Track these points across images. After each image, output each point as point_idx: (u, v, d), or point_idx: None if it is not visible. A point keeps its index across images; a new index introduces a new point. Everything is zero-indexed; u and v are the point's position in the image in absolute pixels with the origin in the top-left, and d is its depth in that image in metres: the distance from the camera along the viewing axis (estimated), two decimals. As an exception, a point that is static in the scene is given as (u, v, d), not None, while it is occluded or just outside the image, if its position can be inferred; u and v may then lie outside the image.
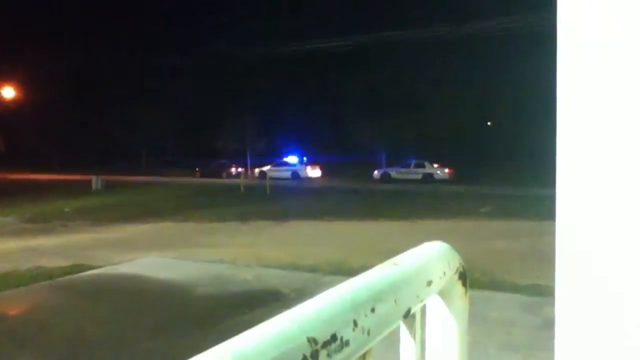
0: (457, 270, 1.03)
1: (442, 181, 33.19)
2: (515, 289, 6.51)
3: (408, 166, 35.59)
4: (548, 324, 5.50)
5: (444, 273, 0.97)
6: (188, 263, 8.58)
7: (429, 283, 0.90)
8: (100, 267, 8.22)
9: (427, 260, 0.95)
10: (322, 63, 53.27)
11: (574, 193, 0.77)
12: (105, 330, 5.32)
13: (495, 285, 6.73)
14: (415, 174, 34.73)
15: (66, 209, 17.61)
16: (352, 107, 51.28)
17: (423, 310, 0.95)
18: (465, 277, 1.06)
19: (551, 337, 0.83)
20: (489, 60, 45.33)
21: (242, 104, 51.21)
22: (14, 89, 41.21)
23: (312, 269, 7.88)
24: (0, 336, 5.15)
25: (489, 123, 52.90)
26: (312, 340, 0.61)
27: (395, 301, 0.78)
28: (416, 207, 17.59)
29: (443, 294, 0.98)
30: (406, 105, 47.26)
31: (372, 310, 0.73)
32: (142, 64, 47.40)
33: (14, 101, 42.59)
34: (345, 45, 34.87)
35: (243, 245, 10.37)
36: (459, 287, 1.04)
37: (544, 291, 5.88)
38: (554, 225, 0.79)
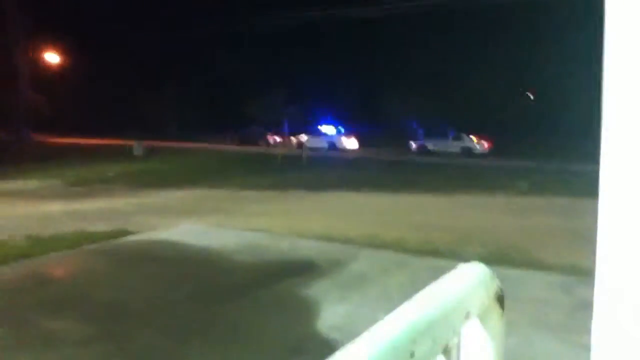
0: (495, 294, 1.00)
1: (481, 155, 32.74)
2: (550, 267, 6.44)
3: (446, 139, 35.16)
4: (583, 305, 5.46)
5: (482, 301, 0.94)
6: (225, 231, 8.75)
7: (467, 315, 0.88)
8: (141, 232, 8.46)
9: (465, 290, 0.91)
10: (358, 32, 52.44)
11: (618, 174, 0.76)
12: (143, 295, 5.51)
13: (530, 263, 6.67)
14: (454, 146, 34.35)
15: (109, 174, 18.06)
16: (388, 78, 50.55)
17: (459, 339, 0.93)
18: (502, 300, 1.02)
19: (586, 318, 0.83)
20: (532, 31, 43.89)
21: (276, 73, 51.14)
22: (59, 55, 42.06)
23: (347, 241, 7.94)
24: (44, 300, 5.38)
25: (530, 96, 51.53)
26: None
27: (433, 340, 0.77)
28: (453, 180, 17.44)
29: (480, 318, 0.95)
30: (444, 76, 46.36)
31: (412, 355, 0.72)
32: (178, 34, 47.61)
33: (59, 67, 43.50)
34: (382, 13, 34.23)
35: (279, 215, 10.49)
36: (496, 311, 1.00)
37: (580, 271, 5.81)
38: (595, 205, 0.78)
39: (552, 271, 6.29)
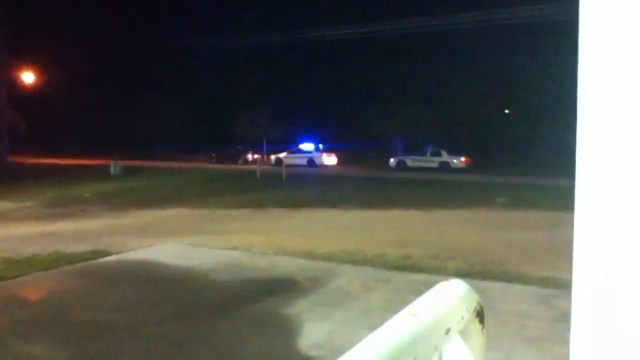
0: (474, 310, 1.01)
1: (459, 170, 33.04)
2: (529, 281, 6.49)
3: (424, 154, 35.46)
4: (563, 316, 5.50)
5: (462, 317, 0.95)
6: (204, 250, 8.67)
7: (448, 331, 0.89)
8: (118, 252, 8.34)
9: (445, 307, 0.92)
10: (339, 51, 53.03)
11: (593, 186, 0.77)
12: (122, 316, 5.41)
13: (509, 276, 6.71)
14: (432, 162, 34.61)
15: (86, 194, 17.83)
16: (368, 95, 51.06)
17: (440, 356, 0.93)
18: (482, 316, 1.03)
19: (566, 330, 0.83)
20: (509, 50, 44.76)
21: (258, 91, 51.30)
22: (34, 74, 41.62)
23: (327, 258, 7.91)
24: (20, 321, 5.26)
25: (506, 111, 52.34)
26: None
27: (414, 357, 0.77)
28: (432, 195, 17.54)
29: (461, 334, 0.96)
30: (423, 93, 46.96)
31: None
32: (160, 52, 47.58)
33: (35, 86, 43.02)
34: (362, 34, 34.68)
35: (258, 233, 10.43)
36: (476, 326, 1.01)
37: (559, 283, 5.86)
38: (573, 218, 0.78)
39: (531, 284, 6.33)
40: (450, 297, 0.96)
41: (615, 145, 0.75)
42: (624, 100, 0.75)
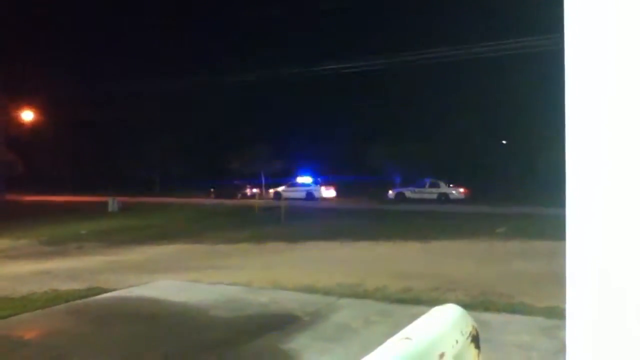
0: (469, 334, 1.00)
1: (457, 201, 33.02)
2: (531, 311, 6.41)
3: (423, 186, 35.48)
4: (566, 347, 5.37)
5: (457, 341, 0.94)
6: (203, 286, 8.57)
7: (442, 355, 0.88)
8: (115, 290, 8.24)
9: (439, 331, 0.91)
10: (337, 86, 53.61)
11: (585, 212, 0.77)
12: (119, 356, 5.31)
13: (512, 308, 6.63)
14: (430, 193, 34.60)
15: (82, 231, 17.74)
16: (366, 128, 51.41)
17: None
18: (477, 340, 1.03)
19: None
20: (504, 81, 45.31)
21: (256, 125, 51.63)
22: (33, 112, 41.87)
23: (327, 292, 7.82)
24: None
25: (503, 142, 52.68)
26: None
27: None
28: (431, 227, 17.47)
29: (455, 358, 0.95)
30: (421, 126, 47.38)
31: None
32: (158, 87, 47.96)
33: (32, 124, 43.25)
34: (361, 68, 35.09)
35: (257, 268, 10.34)
36: (471, 350, 1.01)
37: (561, 314, 5.77)
38: (565, 246, 0.78)
39: (534, 315, 6.25)
40: (445, 321, 0.96)
41: (604, 147, 0.75)
42: (611, 104, 0.75)
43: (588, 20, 0.76)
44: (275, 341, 5.55)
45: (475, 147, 45.91)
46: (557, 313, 6.00)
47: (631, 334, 0.74)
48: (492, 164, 45.79)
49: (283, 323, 6.24)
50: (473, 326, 0.99)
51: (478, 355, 1.00)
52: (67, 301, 7.51)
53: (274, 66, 43.16)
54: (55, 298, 7.68)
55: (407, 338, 0.84)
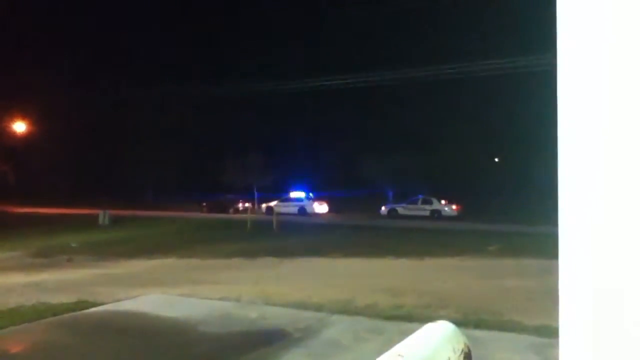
0: (461, 351, 1.00)
1: (450, 218, 33.04)
2: (523, 329, 6.39)
3: (415, 202, 35.49)
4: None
5: (449, 358, 0.94)
6: (193, 300, 8.50)
7: None
8: (104, 303, 8.16)
9: (431, 348, 0.91)
10: (329, 100, 53.82)
11: (577, 229, 0.77)
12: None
13: (503, 325, 6.61)
14: (423, 210, 34.61)
15: (72, 244, 17.60)
16: (359, 143, 51.51)
17: None
18: (470, 357, 1.02)
19: None
20: (497, 97, 45.71)
21: (248, 139, 51.62)
22: (25, 123, 41.74)
23: (318, 308, 7.78)
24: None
25: (496, 159, 52.96)
26: None
27: None
28: (423, 244, 17.45)
29: None
30: (413, 142, 47.59)
31: None
32: (150, 100, 47.89)
33: (23, 135, 43.09)
34: (353, 82, 35.28)
35: (248, 283, 10.28)
36: None
37: (552, 332, 5.76)
38: (557, 265, 0.78)
39: (525, 332, 6.23)
40: (437, 338, 0.96)
41: (596, 164, 0.76)
42: (604, 120, 0.75)
43: (580, 40, 0.77)
44: (264, 357, 5.50)
45: (468, 164, 46.11)
46: (548, 331, 5.98)
47: (627, 352, 0.73)
48: (485, 182, 45.97)
49: (273, 339, 6.19)
50: (465, 343, 0.99)
51: None
52: (55, 314, 7.42)
53: (268, 80, 43.30)
54: (43, 311, 7.59)
55: (399, 355, 0.83)
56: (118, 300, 8.40)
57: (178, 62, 63.49)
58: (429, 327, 0.99)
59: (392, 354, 0.84)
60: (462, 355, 0.99)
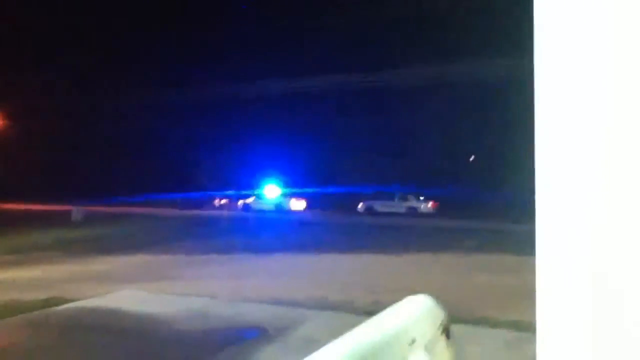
0: (440, 324, 1.01)
1: (427, 215, 33.30)
2: (497, 324, 6.45)
3: (392, 199, 35.69)
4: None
5: (428, 329, 0.94)
6: (167, 297, 8.41)
7: (413, 341, 0.87)
8: (75, 300, 8.02)
9: (410, 319, 0.92)
10: (305, 99, 53.77)
11: (553, 225, 0.77)
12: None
13: (477, 320, 6.66)
14: (400, 207, 34.84)
15: (46, 241, 17.31)
16: (337, 140, 51.54)
17: None
18: (448, 330, 1.04)
19: None
20: (473, 97, 46.13)
21: (225, 136, 51.36)
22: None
23: (294, 304, 7.75)
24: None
25: (472, 158, 53.48)
26: None
27: None
28: (400, 240, 17.54)
29: (427, 348, 0.95)
30: (391, 139, 47.82)
31: None
32: (126, 97, 47.30)
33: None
34: (330, 83, 35.34)
35: (224, 279, 10.21)
36: (442, 341, 1.01)
37: (527, 327, 5.83)
38: (534, 261, 0.78)
39: (499, 327, 6.29)
40: (416, 309, 0.98)
41: (574, 159, 0.75)
42: (581, 116, 0.75)
43: (557, 42, 0.76)
44: (240, 354, 5.46)
45: (444, 161, 46.48)
46: (522, 326, 6.04)
47: (627, 352, 0.73)
48: (462, 179, 46.40)
49: (249, 336, 6.14)
50: (445, 317, 1.00)
51: (448, 346, 1.01)
52: (26, 311, 7.28)
53: (247, 77, 43.12)
54: (13, 308, 7.43)
55: (376, 323, 0.84)
56: (90, 297, 8.27)
57: (150, 61, 62.84)
58: (409, 299, 1.00)
59: (372, 322, 0.85)
60: (441, 328, 1.01)
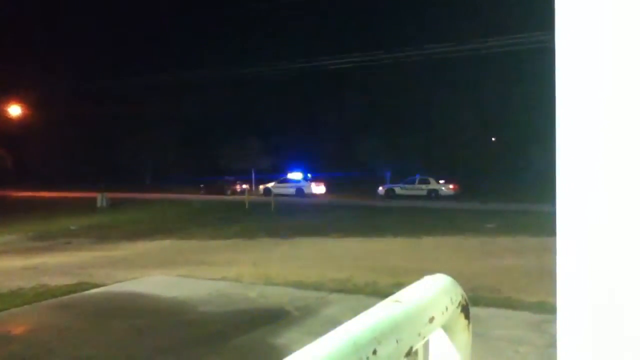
0: (459, 303, 1.03)
1: (447, 197, 33.10)
2: (522, 306, 6.44)
3: (413, 182, 35.51)
4: (555, 342, 5.38)
5: (447, 308, 0.96)
6: (192, 281, 8.55)
7: (431, 319, 0.90)
8: (104, 285, 8.20)
9: (429, 296, 0.94)
10: (328, 81, 53.59)
11: (575, 206, 0.77)
12: (109, 351, 5.29)
13: (502, 302, 6.66)
14: (420, 190, 34.64)
15: (72, 227, 17.63)
16: (357, 124, 51.37)
17: (426, 346, 0.95)
18: (467, 310, 1.05)
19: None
20: (494, 77, 45.55)
21: (246, 121, 51.54)
22: (21, 107, 41.45)
23: (317, 287, 7.83)
24: (4, 357, 5.12)
25: (493, 139, 52.94)
26: None
27: (397, 341, 0.78)
28: (421, 223, 17.51)
29: (446, 328, 0.98)
30: (411, 122, 47.51)
31: (374, 352, 0.73)
32: (148, 83, 47.57)
33: (21, 119, 42.85)
34: (351, 63, 35.00)
35: (248, 263, 10.32)
36: (461, 320, 1.03)
37: (552, 309, 5.82)
38: (555, 242, 0.79)
39: (524, 310, 6.28)
40: (435, 288, 0.99)
41: (595, 142, 0.76)
42: (603, 100, 0.75)
43: (579, 16, 0.76)
44: (264, 336, 5.55)
45: (465, 143, 46.09)
46: (547, 308, 6.03)
47: (624, 328, 0.74)
48: (483, 160, 46.01)
49: (273, 318, 6.23)
50: (463, 296, 1.02)
51: (468, 326, 1.03)
52: (55, 296, 7.46)
53: (265, 62, 43.07)
54: (43, 293, 7.63)
55: (397, 301, 0.86)
56: (118, 282, 8.44)
57: (177, 47, 63.14)
58: (427, 279, 1.02)
59: (390, 299, 0.87)
60: (460, 307, 1.03)
